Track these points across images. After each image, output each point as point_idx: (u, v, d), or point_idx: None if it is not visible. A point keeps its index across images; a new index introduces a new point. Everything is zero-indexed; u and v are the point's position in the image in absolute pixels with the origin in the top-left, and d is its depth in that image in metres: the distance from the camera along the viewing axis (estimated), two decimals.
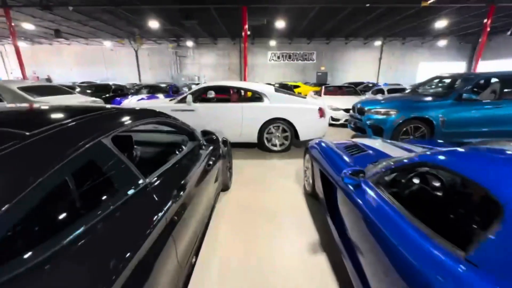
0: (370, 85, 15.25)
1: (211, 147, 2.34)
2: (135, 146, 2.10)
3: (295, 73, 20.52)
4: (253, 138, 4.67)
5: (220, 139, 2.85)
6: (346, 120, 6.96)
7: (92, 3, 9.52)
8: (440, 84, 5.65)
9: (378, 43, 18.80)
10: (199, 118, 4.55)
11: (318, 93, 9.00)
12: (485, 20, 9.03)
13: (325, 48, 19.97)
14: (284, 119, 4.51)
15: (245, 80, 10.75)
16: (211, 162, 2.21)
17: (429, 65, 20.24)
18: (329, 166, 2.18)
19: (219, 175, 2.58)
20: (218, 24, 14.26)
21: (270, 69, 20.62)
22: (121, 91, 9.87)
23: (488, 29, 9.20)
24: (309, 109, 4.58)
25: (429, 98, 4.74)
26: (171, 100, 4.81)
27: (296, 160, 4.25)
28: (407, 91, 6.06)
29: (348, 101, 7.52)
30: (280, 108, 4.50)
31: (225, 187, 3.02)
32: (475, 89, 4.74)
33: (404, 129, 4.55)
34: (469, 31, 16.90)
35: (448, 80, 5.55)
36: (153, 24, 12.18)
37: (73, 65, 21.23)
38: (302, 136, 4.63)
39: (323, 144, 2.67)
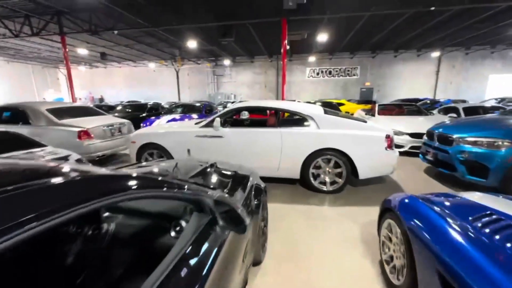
0: (428, 101, 13.14)
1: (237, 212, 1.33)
2: (104, 226, 1.25)
3: (335, 90, 19.10)
4: (295, 174, 3.59)
5: (253, 184, 1.88)
6: (411, 147, 5.48)
7: (134, 26, 9.82)
8: None
9: (434, 54, 16.52)
10: (228, 146, 3.67)
11: (369, 112, 7.61)
12: None
13: (370, 62, 18.30)
14: (337, 150, 3.37)
15: (283, 99, 9.86)
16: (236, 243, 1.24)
17: (502, 77, 17.04)
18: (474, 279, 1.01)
19: (248, 248, 1.55)
20: (255, 42, 13.91)
21: (307, 86, 19.59)
22: (156, 110, 9.76)
23: None
24: (372, 137, 3.38)
25: None
26: (197, 123, 4.06)
27: (355, 209, 3.02)
28: (499, 112, 4.44)
29: (412, 122, 6.04)
30: (332, 135, 3.39)
31: (255, 261, 1.98)
32: None
33: None
34: None
35: None
36: (192, 44, 12.27)
37: (122, 86, 23.04)
38: (363, 173, 3.41)
39: (434, 215, 1.47)
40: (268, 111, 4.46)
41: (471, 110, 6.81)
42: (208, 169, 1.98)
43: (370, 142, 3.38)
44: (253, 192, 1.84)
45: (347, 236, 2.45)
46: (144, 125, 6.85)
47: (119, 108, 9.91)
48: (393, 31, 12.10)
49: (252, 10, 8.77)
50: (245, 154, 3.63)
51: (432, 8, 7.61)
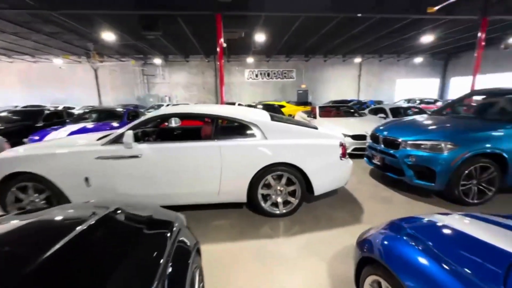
0: (356, 103, 14.45)
1: None
2: None
3: (274, 92, 19.42)
4: (241, 197, 2.86)
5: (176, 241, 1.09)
6: (354, 149, 5.47)
7: (19, 7, 7.40)
8: (483, 104, 4.34)
9: (356, 60, 18.51)
10: (147, 169, 2.66)
11: (310, 114, 7.54)
12: (479, 34, 8.46)
13: (305, 66, 19.30)
14: (290, 164, 2.78)
15: (221, 102, 9.05)
16: None
17: (406, 82, 20.37)
18: None
19: None
20: (188, 39, 12.69)
21: (247, 88, 19.34)
22: (60, 118, 7.59)
23: (483, 43, 8.63)
24: (327, 147, 2.92)
25: (487, 124, 3.34)
26: (100, 138, 2.88)
27: (317, 237, 2.47)
28: (434, 112, 4.74)
29: (351, 124, 6.11)
30: (283, 146, 2.78)
31: None
32: None
33: (467, 171, 3.04)
34: (442, 49, 17.19)
35: (493, 98, 4.26)
36: (109, 36, 10.22)
37: (16, 86, 18.11)
38: (319, 189, 2.92)
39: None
40: (204, 120, 3.60)
41: (395, 111, 7.45)
42: (104, 222, 1.07)
43: (325, 152, 2.92)
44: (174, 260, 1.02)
45: (315, 285, 1.83)
46: (31, 140, 4.99)
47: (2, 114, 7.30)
48: (323, 36, 12.79)
49: (182, 1, 7.68)
50: (172, 179, 2.69)
51: (359, 15, 8.10)
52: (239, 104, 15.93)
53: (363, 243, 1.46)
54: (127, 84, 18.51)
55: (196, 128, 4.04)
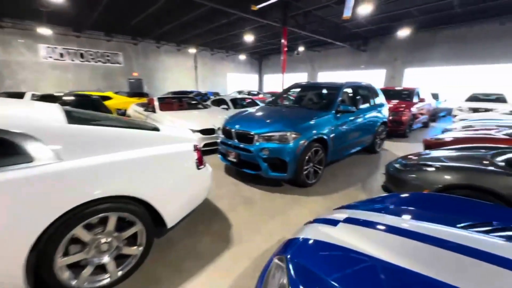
0: (196, 93, 14.27)
1: None
2: None
3: (94, 79, 15.07)
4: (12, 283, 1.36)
5: None
6: (204, 145, 4.95)
7: None
8: (303, 94, 5.16)
9: (191, 51, 18.30)
10: None
11: (148, 107, 6.16)
12: (282, 40, 10.66)
13: (135, 50, 16.40)
14: (120, 197, 1.64)
15: None
16: None
17: (235, 76, 23.10)
18: None
19: None
20: None
21: (48, 72, 13.60)
22: None
23: (286, 49, 10.99)
24: (177, 155, 2.05)
25: (311, 113, 3.88)
26: None
27: None
28: (269, 102, 5.11)
29: (198, 117, 5.57)
30: (100, 168, 1.57)
31: None
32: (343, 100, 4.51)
33: (307, 157, 3.33)
34: (257, 50, 20.86)
35: (313, 90, 5.15)
36: None
37: None
38: (172, 219, 2.01)
39: None
40: None
41: (235, 102, 7.82)
42: None
43: (175, 164, 2.03)
44: None
45: None
46: None
47: None
48: (151, 17, 11.18)
49: None
50: None
51: None
52: (33, 96, 10.77)
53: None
54: None
55: None
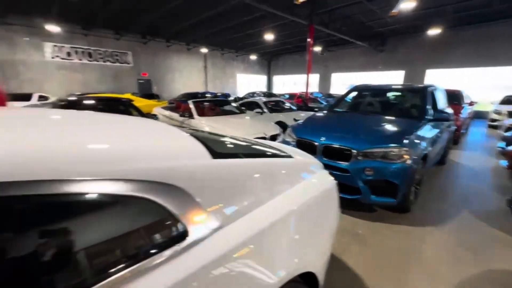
0: (208, 95, 13.59)
1: None
2: None
3: (104, 80, 14.36)
4: None
5: None
6: None
7: None
8: (370, 99, 4.50)
9: (203, 50, 17.61)
10: None
11: (185, 113, 5.43)
12: (308, 39, 10.05)
13: (144, 50, 15.68)
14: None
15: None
16: None
17: (245, 77, 22.46)
18: None
19: None
20: None
21: (55, 72, 12.84)
22: None
23: (312, 48, 10.38)
24: (327, 191, 1.45)
25: (402, 122, 3.25)
26: None
27: None
28: (330, 108, 4.44)
29: (247, 125, 4.95)
30: (268, 233, 0.93)
31: None
32: None
33: (417, 177, 2.70)
34: (267, 50, 20.26)
35: (383, 94, 4.49)
36: None
37: None
38: (323, 276, 1.35)
39: None
40: None
41: (268, 105, 7.15)
42: None
43: (326, 205, 1.41)
44: None
45: None
46: None
47: None
48: (167, 14, 10.54)
49: None
50: None
51: None
52: (40, 98, 10.06)
53: None
54: None
55: None
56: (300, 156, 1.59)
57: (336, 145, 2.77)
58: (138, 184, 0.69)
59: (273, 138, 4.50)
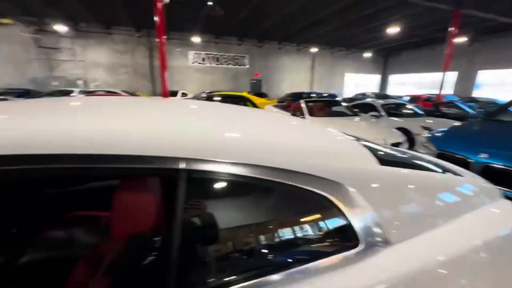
0: (314, 95, 13.38)
1: None
2: None
3: (225, 80, 16.89)
4: None
5: None
6: None
7: None
8: None
9: (313, 50, 17.55)
10: None
11: (296, 112, 5.58)
12: (450, 28, 8.04)
13: (258, 52, 17.30)
14: None
15: (163, 92, 6.27)
16: None
17: (353, 76, 20.79)
18: None
19: None
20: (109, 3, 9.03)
21: (193, 74, 16.22)
22: None
23: (455, 39, 8.29)
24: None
25: None
26: None
27: None
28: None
29: (364, 129, 4.48)
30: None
31: None
32: None
33: None
34: (385, 46, 17.80)
35: None
36: None
37: None
38: None
39: None
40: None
41: (386, 108, 6.25)
42: None
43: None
44: None
45: None
46: None
47: None
48: (282, 19, 11.09)
49: None
50: None
51: None
52: (183, 94, 12.91)
53: None
54: (12, 59, 12.89)
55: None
56: (470, 176, 1.24)
57: (504, 166, 2.04)
58: (319, 181, 0.69)
59: (395, 146, 3.89)
